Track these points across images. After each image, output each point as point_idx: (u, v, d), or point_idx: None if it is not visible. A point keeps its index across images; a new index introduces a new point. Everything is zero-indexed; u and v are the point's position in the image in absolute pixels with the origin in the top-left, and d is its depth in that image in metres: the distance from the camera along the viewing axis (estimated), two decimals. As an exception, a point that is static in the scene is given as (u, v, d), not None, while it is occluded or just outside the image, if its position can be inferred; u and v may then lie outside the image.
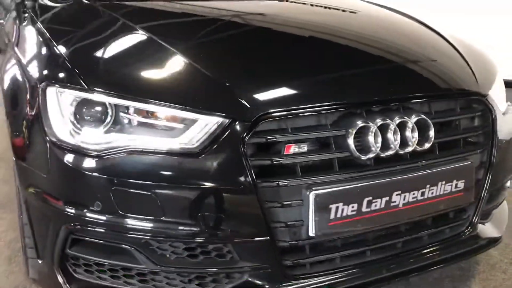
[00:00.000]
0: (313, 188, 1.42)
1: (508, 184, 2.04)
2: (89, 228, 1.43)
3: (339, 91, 1.56)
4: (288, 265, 1.48)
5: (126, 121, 1.42)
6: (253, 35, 1.85)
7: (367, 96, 1.56)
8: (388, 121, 1.51)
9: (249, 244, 1.43)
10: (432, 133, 1.59)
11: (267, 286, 1.48)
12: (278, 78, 1.55)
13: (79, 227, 1.44)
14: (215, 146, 1.38)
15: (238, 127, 1.39)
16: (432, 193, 1.59)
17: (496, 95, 1.89)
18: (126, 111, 1.43)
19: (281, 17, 2.14)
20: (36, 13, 2.03)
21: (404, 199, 1.54)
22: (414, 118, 1.56)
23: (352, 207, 1.47)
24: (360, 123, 1.47)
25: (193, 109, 1.40)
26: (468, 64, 1.88)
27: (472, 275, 2.14)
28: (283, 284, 1.48)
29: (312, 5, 2.40)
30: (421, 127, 1.58)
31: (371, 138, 1.49)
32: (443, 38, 2.09)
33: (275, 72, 1.58)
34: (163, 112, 1.42)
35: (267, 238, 1.42)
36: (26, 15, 2.08)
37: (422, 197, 1.57)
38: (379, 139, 1.50)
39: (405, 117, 1.54)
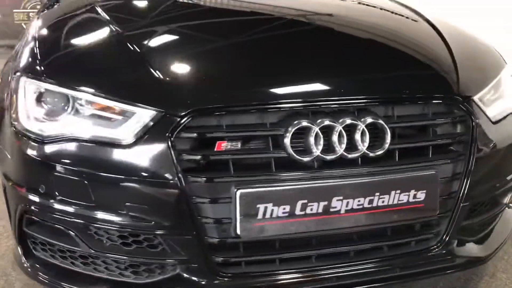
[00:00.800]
0: (241, 186, 1.40)
1: (506, 199, 1.86)
2: (36, 210, 1.53)
3: (279, 90, 1.52)
4: (219, 262, 1.48)
5: (72, 111, 1.50)
6: (204, 32, 1.84)
7: (310, 96, 1.50)
8: (334, 123, 1.45)
9: (176, 237, 1.45)
10: (387, 138, 1.49)
11: (200, 281, 1.48)
12: (218, 74, 1.56)
13: (29, 208, 1.55)
14: (146, 138, 1.42)
15: (168, 121, 1.41)
16: (382, 201, 1.49)
17: (490, 98, 1.74)
18: (74, 102, 1.50)
19: (234, 12, 2.09)
20: (46, 9, 2.20)
21: (347, 206, 1.47)
22: (366, 122, 1.47)
23: (284, 209, 1.42)
24: (297, 123, 1.43)
25: (131, 102, 1.45)
26: (455, 64, 1.74)
27: (466, 297, 1.98)
28: (213, 281, 1.48)
29: None
30: (379, 132, 1.50)
31: (311, 140, 1.44)
32: (438, 33, 1.95)
33: (217, 69, 1.59)
34: (105, 104, 1.48)
35: (194, 233, 1.43)
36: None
37: (370, 205, 1.48)
38: (321, 141, 1.44)
39: (356, 120, 1.47)
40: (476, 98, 1.68)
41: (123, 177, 1.42)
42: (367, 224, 1.52)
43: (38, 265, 1.62)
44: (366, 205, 1.48)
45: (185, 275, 1.49)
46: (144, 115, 1.43)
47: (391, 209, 1.51)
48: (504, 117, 1.77)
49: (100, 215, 1.45)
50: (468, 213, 1.69)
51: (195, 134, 1.41)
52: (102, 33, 1.74)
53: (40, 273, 1.61)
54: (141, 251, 1.48)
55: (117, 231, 1.47)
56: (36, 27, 1.88)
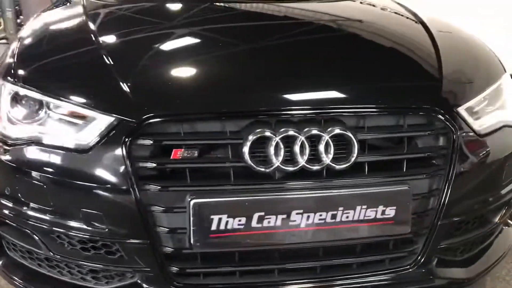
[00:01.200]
0: (195, 196, 1.37)
1: (497, 217, 1.74)
2: (4, 211, 1.55)
3: (241, 97, 1.48)
4: (175, 272, 1.45)
5: (39, 114, 1.50)
6: (173, 42, 1.79)
7: (273, 104, 1.45)
8: (296, 133, 1.39)
9: (132, 245, 1.43)
10: (354, 150, 1.42)
11: None
12: (178, 82, 1.54)
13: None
14: (104, 144, 1.40)
15: (125, 127, 1.39)
16: (347, 217, 1.42)
17: (485, 108, 1.64)
18: (42, 106, 1.50)
19: (206, 22, 2.01)
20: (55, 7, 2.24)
21: (307, 220, 1.40)
22: (331, 133, 1.41)
23: (239, 220, 1.38)
24: (257, 133, 1.38)
25: (93, 108, 1.44)
26: (441, 73, 1.64)
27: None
28: (169, 291, 1.45)
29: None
30: (346, 143, 1.43)
31: (271, 150, 1.39)
32: (430, 37, 1.84)
33: (178, 77, 1.56)
34: (68, 109, 1.47)
35: (148, 241, 1.40)
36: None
37: (332, 220, 1.42)
38: (282, 151, 1.39)
39: (321, 131, 1.40)
40: (461, 109, 1.57)
41: (79, 182, 1.41)
42: (331, 239, 1.45)
43: (9, 265, 1.65)
44: (328, 220, 1.42)
45: (142, 283, 1.47)
46: (103, 121, 1.42)
47: (356, 225, 1.44)
48: (496, 130, 1.65)
49: (58, 219, 1.45)
50: (450, 231, 1.59)
51: (150, 141, 1.39)
52: (81, 42, 1.72)
53: (11, 273, 1.63)
54: (99, 257, 1.48)
55: (75, 236, 1.46)
56: (24, 29, 1.91)
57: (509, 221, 1.95)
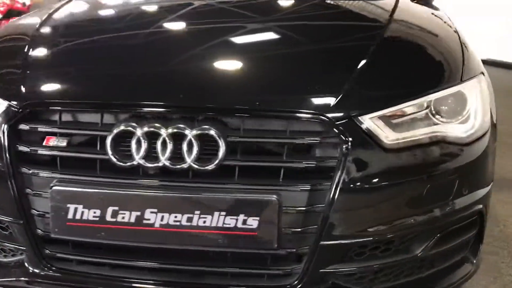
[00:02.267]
0: (55, 183, 1.40)
1: (419, 248, 1.49)
2: None
3: (118, 90, 1.47)
4: (47, 255, 1.50)
5: None
6: (82, 36, 1.82)
7: (142, 99, 1.42)
8: (158, 130, 1.35)
9: (12, 224, 1.50)
10: (220, 152, 1.33)
11: (31, 270, 1.52)
12: (62, 72, 1.57)
13: None
14: None
15: (8, 112, 1.47)
16: (204, 222, 1.34)
17: (418, 119, 1.44)
18: None
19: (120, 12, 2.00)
20: None
21: (162, 220, 1.35)
22: (196, 132, 1.34)
23: (94, 212, 1.38)
24: (119, 126, 1.37)
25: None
26: (356, 72, 1.46)
27: None
28: (41, 272, 1.50)
29: None
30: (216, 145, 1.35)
31: (133, 145, 1.37)
32: (386, 25, 1.65)
33: (63, 67, 1.60)
34: None
35: (21, 222, 1.47)
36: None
37: (188, 224, 1.35)
38: (142, 148, 1.36)
39: (184, 130, 1.34)
40: (369, 117, 1.38)
41: None
42: (188, 243, 1.38)
43: None
44: (184, 222, 1.35)
45: (25, 262, 1.54)
46: (1, 106, 1.52)
47: (215, 232, 1.35)
48: (422, 145, 1.42)
49: None
50: (346, 255, 1.41)
51: (27, 127, 1.45)
52: (22, 38, 1.83)
53: None
54: None
55: None
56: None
57: (471, 257, 1.67)
